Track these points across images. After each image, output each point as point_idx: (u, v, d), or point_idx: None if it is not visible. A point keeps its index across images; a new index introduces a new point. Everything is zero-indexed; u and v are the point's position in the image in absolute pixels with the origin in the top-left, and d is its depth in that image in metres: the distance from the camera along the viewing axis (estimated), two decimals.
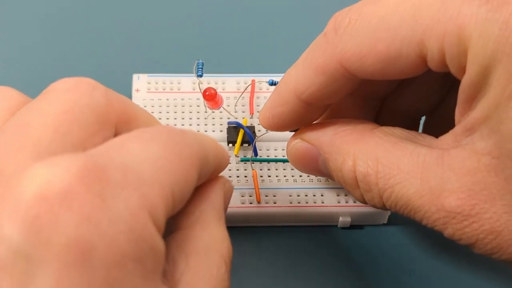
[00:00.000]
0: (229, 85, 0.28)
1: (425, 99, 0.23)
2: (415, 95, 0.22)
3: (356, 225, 0.26)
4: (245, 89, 0.28)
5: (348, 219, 0.25)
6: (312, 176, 0.26)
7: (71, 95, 0.17)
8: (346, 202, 0.25)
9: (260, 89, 0.28)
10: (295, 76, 0.20)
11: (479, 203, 0.16)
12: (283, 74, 0.28)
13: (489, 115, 0.16)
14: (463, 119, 0.17)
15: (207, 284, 0.17)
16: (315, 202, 0.25)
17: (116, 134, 0.18)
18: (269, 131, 0.23)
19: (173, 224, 0.18)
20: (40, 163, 0.14)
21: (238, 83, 0.28)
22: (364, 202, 0.20)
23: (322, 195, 0.25)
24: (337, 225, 0.26)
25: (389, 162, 0.18)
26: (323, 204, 0.25)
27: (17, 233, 0.13)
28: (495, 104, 0.16)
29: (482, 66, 0.16)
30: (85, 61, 0.31)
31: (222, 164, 0.20)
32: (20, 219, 0.13)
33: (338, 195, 0.25)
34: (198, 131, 0.27)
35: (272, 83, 0.27)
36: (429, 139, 0.18)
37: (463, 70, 0.16)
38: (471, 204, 0.16)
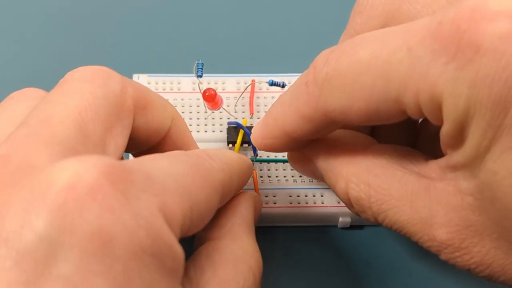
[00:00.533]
0: (229, 85, 0.28)
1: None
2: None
3: (356, 225, 0.26)
4: (245, 89, 0.28)
5: (348, 219, 0.25)
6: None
7: (88, 86, 0.17)
8: None
9: (260, 89, 0.28)
10: (282, 117, 0.20)
11: (467, 237, 0.17)
12: (283, 74, 0.28)
13: (468, 163, 0.16)
14: (447, 156, 0.17)
15: None
16: (315, 203, 0.25)
17: (134, 121, 0.19)
18: None
19: (205, 236, 0.19)
20: (70, 158, 0.15)
21: (238, 83, 0.28)
22: (361, 218, 0.20)
23: (322, 196, 0.25)
24: (337, 226, 0.26)
25: (380, 188, 0.18)
26: (323, 205, 0.25)
27: (43, 219, 0.13)
28: (473, 156, 0.16)
29: (457, 122, 0.16)
30: (85, 61, 0.31)
31: (246, 180, 0.21)
32: (47, 206, 0.14)
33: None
34: (199, 131, 0.27)
35: (272, 83, 0.27)
36: (420, 159, 0.19)
37: (441, 121, 0.16)
38: (460, 238, 0.17)
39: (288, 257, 0.25)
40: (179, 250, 0.15)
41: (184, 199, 0.16)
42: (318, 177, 0.21)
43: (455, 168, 0.17)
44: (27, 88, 0.19)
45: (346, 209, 0.25)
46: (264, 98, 0.28)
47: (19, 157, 0.15)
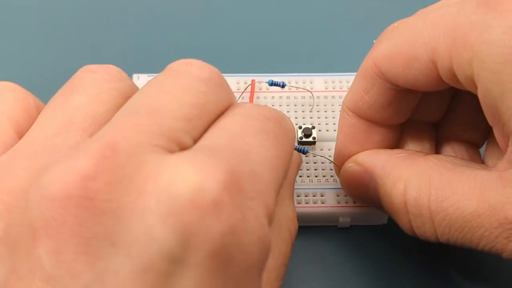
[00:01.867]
0: (229, 84, 0.28)
1: (473, 126, 0.22)
2: (464, 122, 0.22)
3: (356, 226, 0.26)
4: (245, 89, 0.28)
5: (348, 219, 0.25)
6: (312, 177, 0.26)
7: (204, 88, 0.17)
8: (346, 202, 0.25)
9: (260, 89, 0.28)
10: (347, 93, 0.21)
11: None
12: (283, 74, 0.28)
13: None
14: (507, 140, 0.17)
15: (275, 262, 0.17)
16: (315, 203, 0.25)
17: None
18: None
19: None
20: (185, 162, 0.14)
21: (238, 83, 0.28)
22: (411, 231, 0.19)
23: (322, 196, 0.25)
24: (337, 226, 0.26)
25: (442, 184, 0.18)
26: (323, 205, 0.25)
27: (169, 235, 0.13)
28: None
29: (491, 70, 0.16)
30: (85, 61, 0.31)
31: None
32: (173, 222, 0.13)
33: (338, 196, 0.25)
34: None
35: (272, 83, 0.27)
36: (484, 166, 0.19)
37: (471, 81, 0.17)
38: None
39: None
40: (271, 247, 0.16)
41: (276, 187, 0.16)
42: (368, 197, 0.21)
43: None
44: (109, 65, 0.18)
45: (346, 210, 0.25)
46: (264, 98, 0.28)
47: (126, 149, 0.14)
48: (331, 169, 0.26)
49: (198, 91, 0.16)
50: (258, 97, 0.28)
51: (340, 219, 0.25)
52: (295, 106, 0.27)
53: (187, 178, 0.14)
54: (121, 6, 0.34)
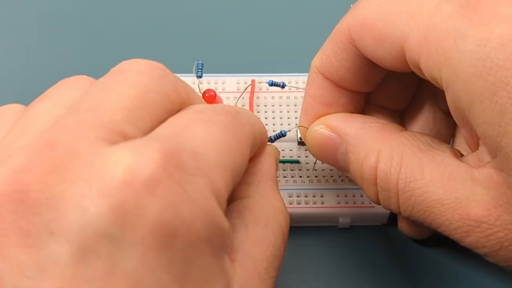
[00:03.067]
0: (229, 85, 0.28)
1: (401, 96, 0.23)
2: (394, 92, 0.23)
3: (356, 226, 0.26)
4: (245, 89, 0.28)
5: (348, 219, 0.25)
6: (312, 177, 0.26)
7: (145, 80, 0.17)
8: (346, 203, 0.25)
9: (260, 89, 0.28)
10: (317, 54, 0.22)
11: (503, 214, 0.17)
12: (283, 74, 0.28)
13: (486, 132, 0.16)
14: (477, 140, 0.18)
15: (264, 253, 0.18)
16: (315, 203, 0.25)
17: None
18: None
19: (233, 195, 0.19)
20: (120, 147, 0.15)
21: (238, 83, 0.28)
22: (376, 201, 0.20)
23: (322, 196, 0.25)
24: (337, 226, 0.26)
25: (413, 165, 0.18)
26: (323, 205, 0.25)
27: (105, 216, 0.13)
28: (488, 121, 0.16)
29: (462, 80, 0.16)
30: (85, 61, 0.31)
31: (266, 138, 0.21)
32: (107, 203, 0.14)
33: (338, 196, 0.25)
34: None
35: (272, 84, 0.27)
36: (455, 151, 0.19)
37: (437, 81, 0.17)
38: (496, 215, 0.17)
39: (287, 257, 0.25)
40: (227, 227, 0.16)
41: (227, 168, 0.16)
42: (336, 161, 0.21)
43: (495, 151, 0.17)
44: (79, 76, 0.19)
45: (346, 210, 0.25)
46: (264, 98, 0.28)
47: (65, 142, 0.15)
48: (331, 169, 0.26)
49: (138, 83, 0.17)
50: (258, 97, 0.28)
51: (340, 219, 0.25)
52: (295, 106, 0.27)
53: (120, 160, 0.14)
54: (121, 5, 0.34)
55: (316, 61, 0.22)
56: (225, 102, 0.27)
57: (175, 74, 0.28)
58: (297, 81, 0.28)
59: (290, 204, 0.25)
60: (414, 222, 0.22)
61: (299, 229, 0.26)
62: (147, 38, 0.32)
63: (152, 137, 0.16)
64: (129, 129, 0.16)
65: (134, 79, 0.17)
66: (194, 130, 0.16)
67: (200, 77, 0.26)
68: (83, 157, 0.14)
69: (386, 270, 0.25)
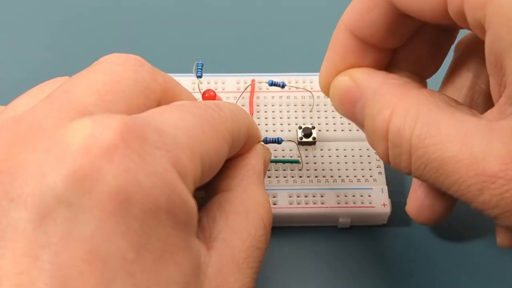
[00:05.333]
0: (229, 85, 0.28)
1: (429, 61, 0.22)
2: (422, 54, 0.22)
3: (356, 226, 0.26)
4: (245, 89, 0.28)
5: (348, 220, 0.25)
6: (312, 177, 0.26)
7: (118, 68, 0.18)
8: (346, 203, 0.25)
9: (260, 89, 0.28)
10: (346, 9, 0.21)
11: None
12: (283, 74, 0.28)
13: None
14: (503, 88, 0.17)
15: (243, 243, 0.18)
16: (315, 203, 0.25)
17: None
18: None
19: (217, 188, 0.19)
20: (83, 118, 0.15)
21: (238, 83, 0.28)
22: (386, 159, 0.19)
23: (322, 196, 0.25)
24: (337, 226, 0.26)
25: (429, 121, 0.18)
26: (323, 205, 0.25)
27: (61, 182, 0.14)
28: None
29: (506, 17, 0.15)
30: (85, 61, 0.31)
31: (254, 137, 0.21)
32: (64, 169, 0.14)
33: (338, 196, 0.25)
34: None
35: (272, 84, 0.27)
36: (474, 111, 0.18)
37: (480, 25, 0.16)
38: None
39: (288, 257, 0.25)
40: (192, 203, 0.16)
41: (195, 151, 0.16)
42: (354, 114, 0.21)
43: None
44: (64, 76, 0.19)
45: (346, 210, 0.25)
46: (264, 98, 0.28)
47: (31, 119, 0.15)
48: (331, 169, 0.26)
49: (112, 70, 0.17)
50: (258, 97, 0.28)
51: (340, 219, 0.25)
52: (295, 106, 0.27)
53: (80, 128, 0.14)
54: (121, 5, 0.34)
55: (346, 17, 0.21)
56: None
57: (175, 74, 0.28)
58: (297, 81, 0.28)
59: (290, 204, 0.25)
60: (423, 206, 0.21)
61: (299, 229, 0.26)
62: (147, 38, 0.32)
63: (118, 114, 0.16)
64: (99, 111, 0.16)
65: (107, 67, 0.18)
66: (167, 115, 0.17)
67: (200, 77, 0.26)
68: (47, 131, 0.15)
69: (386, 270, 0.25)
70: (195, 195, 0.17)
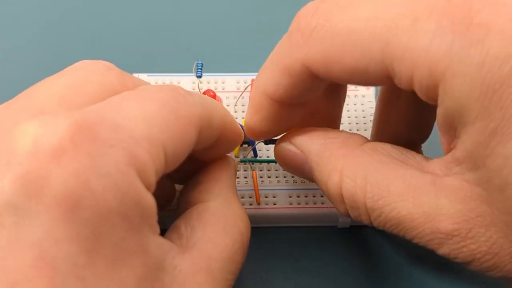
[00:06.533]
0: (228, 84, 0.28)
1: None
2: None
3: (356, 226, 0.26)
4: (245, 89, 0.28)
5: (348, 219, 0.25)
6: None
7: (84, 72, 0.18)
8: None
9: None
10: (263, 79, 0.20)
11: (474, 227, 0.16)
12: None
13: (473, 151, 0.16)
14: (452, 150, 0.17)
15: (220, 254, 0.18)
16: (315, 203, 0.25)
17: None
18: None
19: (195, 199, 0.19)
20: (31, 120, 0.15)
21: (238, 83, 0.28)
22: (348, 216, 0.19)
23: (322, 196, 0.25)
24: (337, 226, 0.26)
25: (378, 182, 0.18)
26: (322, 205, 0.25)
27: (8, 187, 0.14)
28: (477, 141, 0.15)
29: (458, 103, 0.15)
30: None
31: (232, 132, 0.20)
32: (12, 174, 0.14)
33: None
34: None
35: None
36: (419, 159, 0.18)
37: (433, 100, 0.16)
38: (467, 228, 0.16)
39: (288, 257, 0.25)
40: (149, 201, 0.15)
41: (155, 141, 0.16)
42: (306, 174, 0.21)
43: (460, 160, 0.16)
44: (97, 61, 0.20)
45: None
46: None
47: None
48: None
49: (75, 74, 0.17)
50: None
51: (340, 219, 0.25)
52: None
53: (27, 130, 0.14)
54: (121, 5, 0.34)
55: (270, 90, 0.20)
56: (225, 101, 0.27)
57: (175, 74, 0.28)
58: None
59: (290, 204, 0.25)
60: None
61: (299, 229, 0.26)
62: (147, 38, 0.32)
63: (73, 110, 0.16)
64: (59, 108, 0.16)
65: (72, 72, 0.18)
66: (125, 104, 0.16)
67: (200, 77, 0.26)
68: (1, 134, 0.15)
69: (386, 270, 0.25)
70: (168, 208, 0.16)
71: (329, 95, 0.22)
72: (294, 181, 0.25)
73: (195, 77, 0.26)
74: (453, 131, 0.16)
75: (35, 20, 0.33)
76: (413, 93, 0.17)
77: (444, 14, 0.15)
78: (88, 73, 0.18)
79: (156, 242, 0.16)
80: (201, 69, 0.26)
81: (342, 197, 0.19)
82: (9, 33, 0.32)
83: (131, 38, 0.32)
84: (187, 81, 0.28)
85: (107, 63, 0.18)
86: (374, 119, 0.23)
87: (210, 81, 0.28)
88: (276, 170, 0.26)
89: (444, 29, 0.15)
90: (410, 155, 0.19)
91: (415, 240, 0.18)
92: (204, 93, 0.25)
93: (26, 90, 0.17)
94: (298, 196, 0.25)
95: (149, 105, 0.16)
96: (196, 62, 0.26)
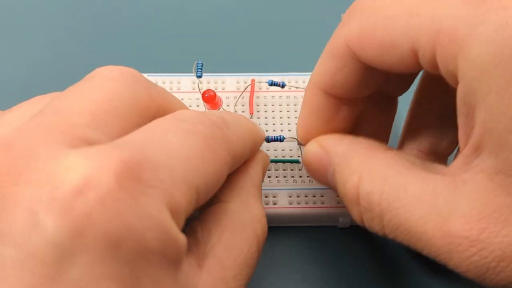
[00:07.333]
0: (229, 84, 0.28)
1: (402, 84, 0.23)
2: (395, 81, 0.22)
3: (356, 226, 0.26)
4: (245, 88, 0.28)
5: (348, 219, 0.25)
6: None
7: (114, 85, 0.17)
8: None
9: (260, 89, 0.28)
10: (315, 69, 0.21)
11: (489, 226, 0.15)
12: (283, 74, 0.28)
13: (493, 126, 0.15)
14: (469, 139, 0.16)
15: (235, 260, 0.17)
16: (315, 203, 0.25)
17: None
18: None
19: (214, 198, 0.19)
20: (77, 153, 0.14)
21: (238, 83, 0.28)
22: (361, 222, 0.19)
23: (322, 196, 0.25)
24: (337, 226, 0.26)
25: (396, 184, 0.17)
26: (323, 205, 0.25)
27: (53, 223, 0.13)
28: (498, 111, 0.15)
29: (478, 70, 0.15)
30: (85, 61, 0.31)
31: (257, 145, 0.20)
32: (57, 210, 0.13)
33: (338, 196, 0.25)
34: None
35: (272, 83, 0.27)
36: (441, 168, 0.18)
37: (453, 75, 0.16)
38: (480, 228, 0.15)
39: (288, 257, 0.25)
40: (182, 240, 0.16)
41: (192, 184, 0.16)
42: (327, 181, 0.21)
43: (479, 147, 0.16)
44: (55, 92, 0.19)
45: (346, 210, 0.25)
46: (264, 98, 0.28)
47: (21, 144, 0.15)
48: None
49: (107, 88, 0.17)
50: (258, 97, 0.28)
51: (340, 219, 0.25)
52: (295, 106, 0.27)
53: (74, 166, 0.14)
54: (121, 5, 0.34)
55: (317, 78, 0.21)
56: (225, 101, 0.27)
57: (175, 74, 0.28)
58: (297, 80, 0.28)
59: (290, 204, 0.25)
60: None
61: (299, 229, 0.26)
62: (147, 38, 0.32)
63: (116, 143, 0.15)
64: (92, 134, 0.15)
65: (103, 84, 0.17)
66: (168, 140, 0.16)
67: (200, 77, 0.26)
68: (39, 160, 0.14)
69: (386, 270, 0.25)
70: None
71: (381, 106, 0.23)
72: (294, 181, 0.25)
73: (195, 77, 0.26)
74: (471, 113, 0.16)
75: (36, 19, 0.33)
76: (441, 98, 0.17)
77: None
78: (118, 86, 0.17)
79: (183, 272, 0.16)
80: (201, 69, 0.26)
81: (358, 198, 0.19)
82: (8, 33, 0.32)
83: (131, 38, 0.32)
84: (187, 81, 0.28)
85: (134, 72, 0.18)
86: (402, 130, 0.23)
87: (210, 81, 0.28)
88: (276, 170, 0.26)
89: (469, 0, 0.15)
90: (431, 165, 0.19)
91: (426, 250, 0.17)
92: (204, 92, 0.25)
93: (54, 104, 0.16)
94: (298, 196, 0.25)
95: (190, 143, 0.16)
96: (196, 62, 0.26)
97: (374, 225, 0.18)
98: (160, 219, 0.15)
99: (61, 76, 0.19)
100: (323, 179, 0.21)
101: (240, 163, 0.19)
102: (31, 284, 0.13)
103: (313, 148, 0.21)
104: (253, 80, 0.28)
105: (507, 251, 0.15)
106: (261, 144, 0.21)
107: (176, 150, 0.16)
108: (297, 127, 0.23)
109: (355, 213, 0.19)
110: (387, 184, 0.18)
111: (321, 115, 0.21)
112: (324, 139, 0.21)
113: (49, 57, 0.31)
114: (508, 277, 0.15)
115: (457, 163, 0.17)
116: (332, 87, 0.20)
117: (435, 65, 0.17)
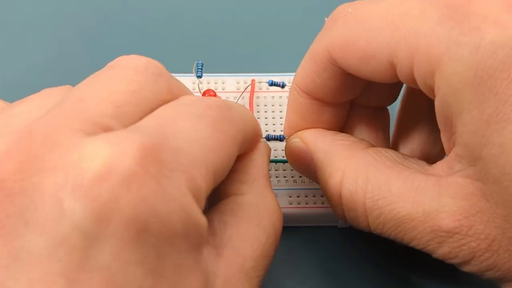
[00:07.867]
0: (229, 84, 0.28)
1: (387, 95, 0.23)
2: (378, 92, 0.23)
3: None
4: (245, 89, 0.28)
5: None
6: None
7: (138, 77, 0.17)
8: None
9: (260, 89, 0.28)
10: (297, 71, 0.21)
11: (475, 224, 0.17)
12: (283, 74, 0.28)
13: (469, 142, 0.16)
14: (451, 145, 0.17)
15: (254, 251, 0.18)
16: (315, 203, 0.25)
17: None
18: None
19: (228, 191, 0.19)
20: (98, 139, 0.14)
21: (238, 83, 0.28)
22: (344, 220, 0.20)
23: (322, 196, 0.25)
24: (337, 226, 0.26)
25: (380, 183, 0.18)
26: (323, 205, 0.25)
27: (79, 210, 0.13)
28: (473, 130, 0.16)
29: (453, 88, 0.16)
30: (85, 61, 0.31)
31: (259, 135, 0.21)
32: (82, 197, 0.13)
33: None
34: None
35: (272, 84, 0.27)
36: (422, 164, 0.19)
37: (431, 88, 0.17)
38: (468, 225, 0.17)
39: (288, 257, 0.25)
40: (204, 222, 0.16)
41: (209, 166, 0.16)
42: (311, 172, 0.21)
43: (461, 155, 0.17)
44: (63, 86, 0.19)
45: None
46: (264, 98, 0.28)
47: (43, 130, 0.15)
48: None
49: (130, 79, 0.17)
50: (258, 97, 0.28)
51: (340, 220, 0.25)
52: None
53: (97, 153, 0.14)
54: (121, 5, 0.34)
55: (298, 79, 0.21)
56: None
57: (175, 74, 0.28)
58: None
59: (290, 204, 0.25)
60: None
61: (299, 229, 0.26)
62: (147, 38, 0.32)
63: (134, 128, 0.16)
64: (114, 124, 0.16)
65: (127, 75, 0.17)
66: (181, 124, 0.16)
67: (200, 77, 0.26)
68: (62, 147, 0.14)
69: (386, 270, 0.25)
70: None
71: (371, 117, 0.23)
72: (294, 181, 0.25)
73: (195, 77, 0.26)
74: (449, 124, 0.17)
75: (37, 19, 0.33)
76: (427, 103, 0.17)
77: (447, 4, 0.16)
78: (142, 79, 0.17)
79: (204, 253, 0.16)
80: (201, 69, 0.26)
81: (341, 197, 0.19)
82: (8, 32, 0.32)
83: (131, 38, 0.32)
84: (187, 81, 0.28)
85: (158, 65, 0.18)
86: (393, 131, 0.24)
87: (210, 81, 0.28)
88: (276, 170, 0.26)
89: (446, 17, 0.16)
90: (413, 160, 0.19)
91: (414, 242, 0.18)
92: (204, 92, 0.25)
93: (77, 93, 0.16)
94: (298, 196, 0.25)
95: (202, 125, 0.17)
96: (196, 62, 0.26)
97: (358, 223, 0.19)
98: (183, 202, 0.15)
99: (61, 76, 0.19)
100: (306, 172, 0.22)
101: (244, 147, 0.20)
102: (60, 271, 0.13)
103: (296, 142, 0.22)
104: (253, 80, 0.28)
105: (491, 246, 0.17)
106: (261, 134, 0.21)
107: (191, 133, 0.16)
108: (284, 125, 0.23)
109: (338, 211, 0.20)
110: (371, 183, 0.18)
111: (306, 117, 0.22)
112: (305, 133, 0.21)
113: (50, 57, 0.31)
114: (489, 265, 0.17)
115: (442, 165, 0.18)
116: (312, 90, 0.21)
117: (412, 78, 0.17)
